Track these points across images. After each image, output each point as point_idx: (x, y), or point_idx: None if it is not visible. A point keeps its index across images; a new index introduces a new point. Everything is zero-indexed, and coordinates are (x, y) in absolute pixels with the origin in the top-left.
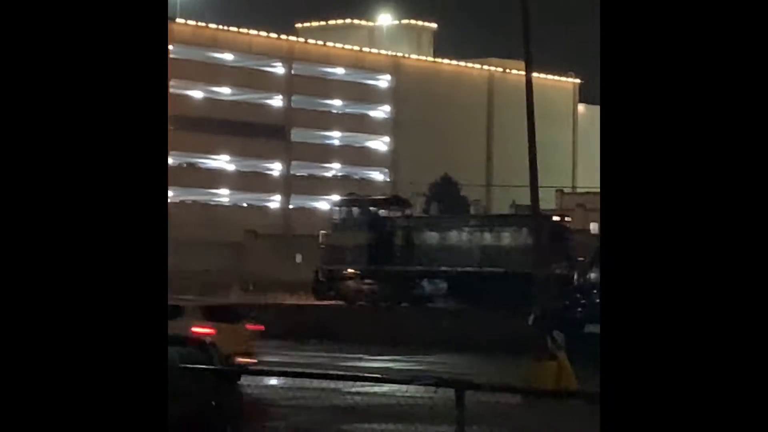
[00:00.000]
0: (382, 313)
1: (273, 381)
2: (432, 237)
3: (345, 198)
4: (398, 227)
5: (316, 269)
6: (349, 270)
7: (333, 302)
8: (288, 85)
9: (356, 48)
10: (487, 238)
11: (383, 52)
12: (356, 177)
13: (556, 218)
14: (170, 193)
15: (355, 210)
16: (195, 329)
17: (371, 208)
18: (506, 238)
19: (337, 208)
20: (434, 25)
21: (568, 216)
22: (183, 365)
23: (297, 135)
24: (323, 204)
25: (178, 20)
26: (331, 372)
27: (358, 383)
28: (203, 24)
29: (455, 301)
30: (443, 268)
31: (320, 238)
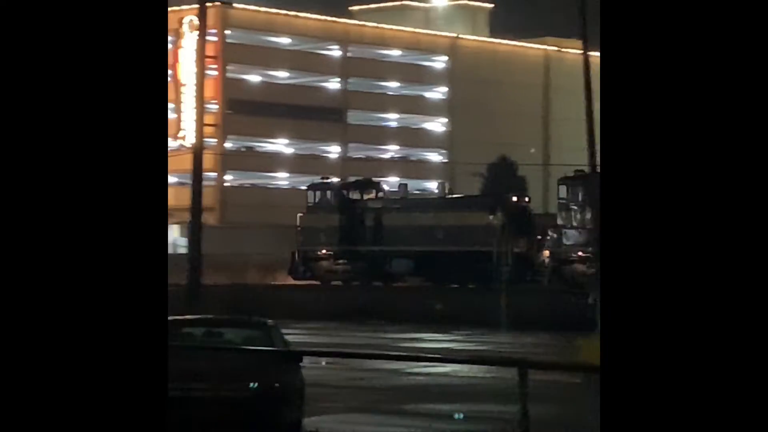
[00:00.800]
0: (421, 292)
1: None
2: (400, 218)
3: (318, 182)
4: (368, 209)
5: (293, 251)
6: (323, 251)
7: (309, 282)
8: (344, 68)
9: (411, 29)
10: (451, 218)
11: (439, 32)
12: (413, 158)
13: (514, 198)
14: (229, 177)
15: (329, 193)
16: None
17: (343, 191)
18: (468, 218)
19: (311, 192)
20: (490, 5)
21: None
22: (245, 347)
23: (354, 117)
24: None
25: (235, 5)
26: (392, 353)
27: (419, 363)
28: (259, 8)
29: (421, 279)
30: (410, 248)
31: (297, 221)
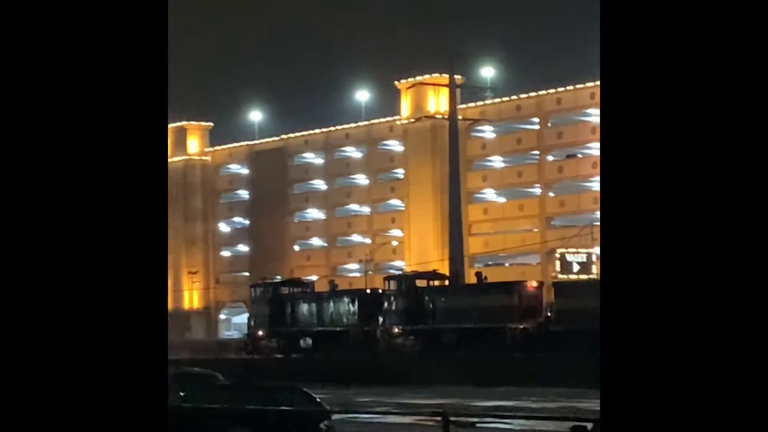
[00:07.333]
0: None
1: None
2: (306, 306)
3: (258, 283)
4: (289, 300)
5: (244, 335)
6: (259, 333)
7: (255, 356)
8: None
9: None
10: (332, 306)
11: None
12: None
13: (368, 291)
14: None
15: (261, 290)
16: None
17: (272, 288)
18: (343, 305)
19: (256, 289)
20: None
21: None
22: None
23: None
24: None
25: None
26: None
27: None
28: None
29: (320, 352)
30: (314, 329)
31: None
